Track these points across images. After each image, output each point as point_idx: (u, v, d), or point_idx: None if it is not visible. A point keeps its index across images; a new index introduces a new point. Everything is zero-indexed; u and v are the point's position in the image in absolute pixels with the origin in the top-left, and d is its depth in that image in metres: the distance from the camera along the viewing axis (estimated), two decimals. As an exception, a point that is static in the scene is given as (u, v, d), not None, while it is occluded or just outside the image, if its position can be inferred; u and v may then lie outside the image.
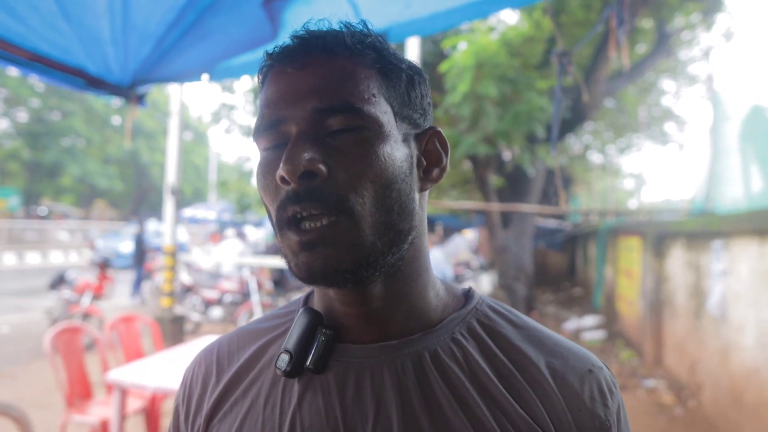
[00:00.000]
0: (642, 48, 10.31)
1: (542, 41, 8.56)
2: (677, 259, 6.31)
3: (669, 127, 16.15)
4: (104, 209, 36.27)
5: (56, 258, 22.47)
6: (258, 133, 0.62)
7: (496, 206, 9.09)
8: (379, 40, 0.64)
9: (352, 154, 0.57)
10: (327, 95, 0.57)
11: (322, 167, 0.56)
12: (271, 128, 0.60)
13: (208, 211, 17.73)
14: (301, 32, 0.62)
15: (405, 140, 0.63)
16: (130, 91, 2.41)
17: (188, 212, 17.32)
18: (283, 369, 0.63)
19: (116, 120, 34.55)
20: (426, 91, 0.68)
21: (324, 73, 0.59)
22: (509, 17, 9.79)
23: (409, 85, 0.64)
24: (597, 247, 11.39)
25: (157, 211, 30.99)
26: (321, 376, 0.63)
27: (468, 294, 0.71)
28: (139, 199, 37.45)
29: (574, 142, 14.29)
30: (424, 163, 0.66)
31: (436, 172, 0.67)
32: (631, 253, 8.42)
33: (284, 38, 0.63)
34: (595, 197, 21.11)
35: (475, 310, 0.68)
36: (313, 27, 0.62)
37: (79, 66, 2.18)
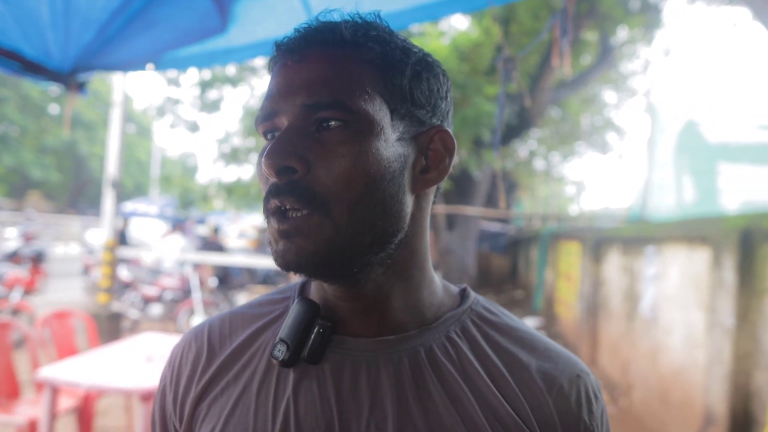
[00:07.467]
0: (586, 59, 10.69)
1: (491, 48, 8.74)
2: (613, 263, 6.55)
3: (610, 136, 16.84)
4: (39, 201, 34.65)
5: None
6: (257, 122, 0.62)
7: (441, 208, 9.21)
8: (386, 33, 0.62)
9: (335, 151, 0.57)
10: (316, 90, 0.57)
11: (301, 163, 0.56)
12: (267, 120, 0.61)
13: (149, 206, 17.17)
14: (303, 25, 0.61)
15: (401, 139, 0.61)
16: (70, 77, 2.33)
17: (129, 206, 16.74)
18: (279, 359, 0.62)
19: (54, 109, 33.02)
20: (437, 86, 0.64)
21: (318, 67, 0.58)
22: (460, 23, 9.95)
23: (413, 81, 0.62)
24: (539, 251, 11.69)
25: (95, 205, 29.89)
26: (317, 366, 0.63)
27: (464, 293, 0.72)
28: (76, 191, 36.01)
29: (519, 148, 14.65)
30: (424, 163, 0.64)
31: (434, 173, 0.64)
32: (571, 258, 8.68)
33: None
34: (539, 203, 21.72)
35: (470, 310, 0.69)
36: (322, 18, 0.62)
37: (15, 49, 2.09)
